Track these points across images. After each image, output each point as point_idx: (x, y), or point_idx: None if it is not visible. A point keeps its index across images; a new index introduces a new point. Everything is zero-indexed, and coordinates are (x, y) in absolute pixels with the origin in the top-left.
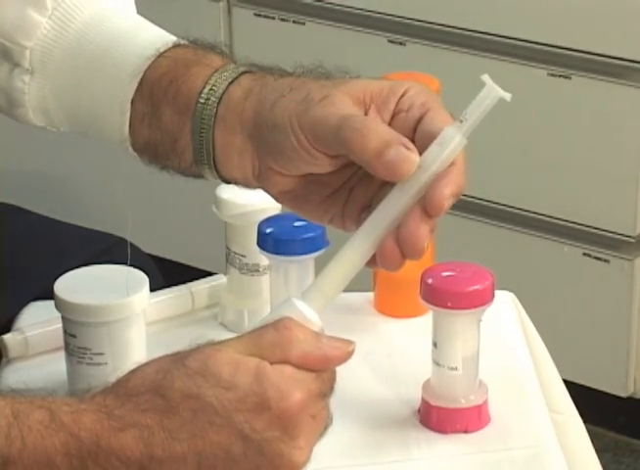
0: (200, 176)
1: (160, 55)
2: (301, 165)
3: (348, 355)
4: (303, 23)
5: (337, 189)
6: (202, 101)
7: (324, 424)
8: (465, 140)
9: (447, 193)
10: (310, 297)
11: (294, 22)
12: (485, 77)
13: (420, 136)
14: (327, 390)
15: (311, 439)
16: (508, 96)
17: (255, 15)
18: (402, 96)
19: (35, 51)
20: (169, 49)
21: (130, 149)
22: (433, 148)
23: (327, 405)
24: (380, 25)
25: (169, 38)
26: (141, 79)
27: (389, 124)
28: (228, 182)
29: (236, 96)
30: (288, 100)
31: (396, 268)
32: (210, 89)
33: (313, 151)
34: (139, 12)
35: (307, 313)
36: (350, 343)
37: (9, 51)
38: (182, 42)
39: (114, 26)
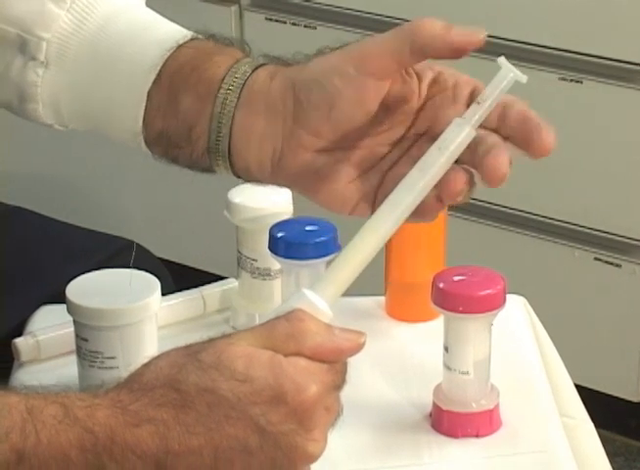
0: (209, 169)
1: (180, 46)
2: (344, 112)
3: (360, 347)
4: (315, 28)
5: (370, 168)
6: (224, 86)
7: (336, 415)
8: (474, 132)
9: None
10: (321, 287)
11: (305, 26)
12: (502, 60)
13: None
14: (340, 381)
15: (325, 430)
16: (524, 78)
17: (267, 19)
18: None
19: (52, 43)
20: (188, 41)
21: (142, 143)
22: (446, 136)
23: (338, 397)
24: (390, 29)
25: (187, 32)
26: (160, 71)
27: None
28: (238, 176)
29: (261, 78)
30: (322, 57)
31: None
32: (235, 75)
33: (362, 77)
34: None
35: (319, 304)
36: (362, 334)
37: (26, 42)
38: (200, 37)
39: (133, 19)
